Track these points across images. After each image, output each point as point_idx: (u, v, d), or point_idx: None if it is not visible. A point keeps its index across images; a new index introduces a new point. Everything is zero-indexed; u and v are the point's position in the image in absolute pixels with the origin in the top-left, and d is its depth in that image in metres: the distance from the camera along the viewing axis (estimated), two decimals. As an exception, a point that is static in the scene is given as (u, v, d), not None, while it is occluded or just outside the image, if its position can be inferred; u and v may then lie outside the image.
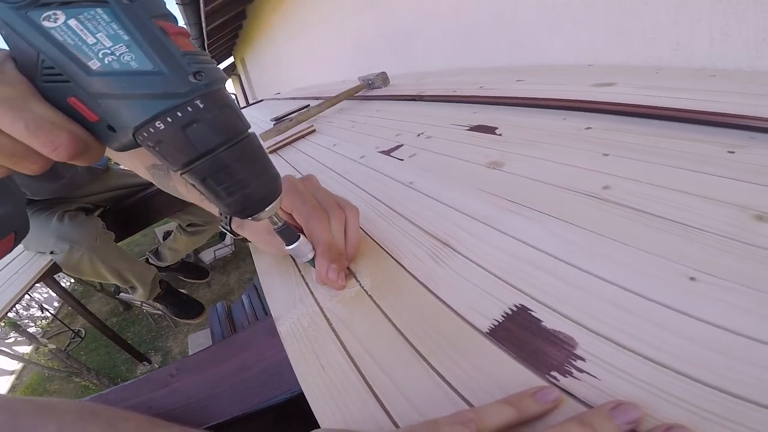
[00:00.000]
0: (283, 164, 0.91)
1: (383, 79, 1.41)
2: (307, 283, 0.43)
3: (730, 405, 0.19)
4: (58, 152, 0.23)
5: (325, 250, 0.38)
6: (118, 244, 1.58)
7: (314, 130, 1.12)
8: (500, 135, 0.62)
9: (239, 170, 0.27)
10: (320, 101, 1.33)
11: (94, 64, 0.22)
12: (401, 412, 0.26)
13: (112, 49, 0.22)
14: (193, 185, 0.27)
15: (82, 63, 0.22)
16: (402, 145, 0.73)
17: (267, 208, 0.30)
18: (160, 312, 1.92)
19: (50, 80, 0.23)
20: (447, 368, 0.27)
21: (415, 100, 1.05)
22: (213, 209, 0.59)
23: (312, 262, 0.38)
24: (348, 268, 0.42)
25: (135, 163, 0.72)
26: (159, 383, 0.52)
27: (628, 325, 0.25)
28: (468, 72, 1.25)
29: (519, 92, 0.76)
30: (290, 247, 0.36)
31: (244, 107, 3.85)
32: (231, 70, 9.88)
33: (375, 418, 0.26)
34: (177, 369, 0.54)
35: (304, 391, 0.30)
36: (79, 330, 4.76)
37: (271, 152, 1.06)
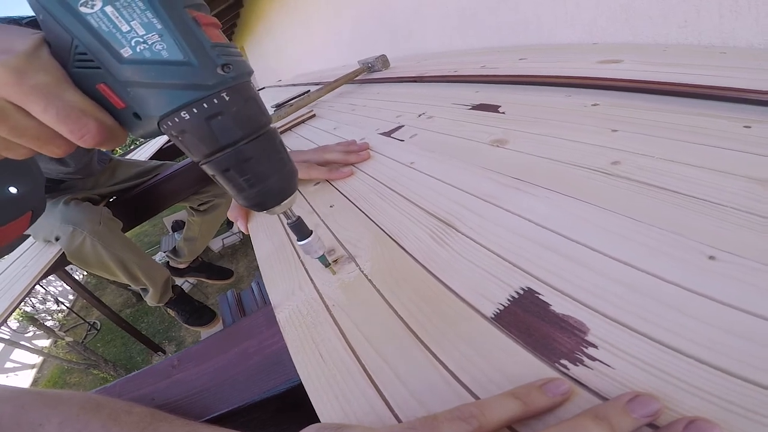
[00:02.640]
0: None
1: (383, 61, 1.38)
2: (306, 269, 0.42)
3: (756, 395, 0.17)
4: (85, 140, 0.24)
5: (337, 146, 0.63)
6: (127, 233, 1.58)
7: (314, 115, 1.11)
8: (503, 113, 0.60)
9: (258, 164, 0.27)
10: (321, 86, 1.31)
11: (126, 52, 0.22)
12: (402, 402, 0.25)
13: (144, 37, 0.22)
14: (213, 176, 0.27)
15: (114, 50, 0.22)
16: (402, 126, 0.71)
17: (283, 203, 0.30)
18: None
19: (82, 66, 0.23)
20: (450, 356, 0.26)
21: (415, 81, 1.02)
22: None
23: (322, 258, 0.37)
24: (347, 252, 0.41)
25: None
26: (162, 374, 0.52)
27: (642, 308, 0.23)
28: (469, 53, 1.21)
29: (522, 70, 0.73)
30: (302, 242, 0.35)
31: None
32: (232, 58, 9.81)
33: (375, 409, 0.25)
34: (179, 360, 0.53)
35: (303, 382, 0.30)
36: (94, 322, 4.84)
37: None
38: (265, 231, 0.55)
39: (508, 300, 0.27)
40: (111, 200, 1.65)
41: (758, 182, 0.28)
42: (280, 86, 2.84)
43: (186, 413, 0.44)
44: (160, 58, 0.22)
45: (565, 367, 0.22)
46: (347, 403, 0.26)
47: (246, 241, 5.32)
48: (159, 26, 0.22)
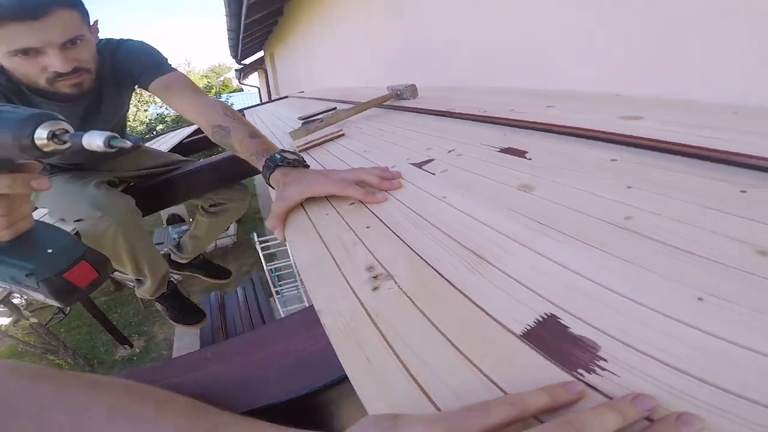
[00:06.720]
0: (313, 164, 0.93)
1: (412, 91, 1.43)
2: (347, 281, 0.45)
3: (734, 402, 0.23)
4: None
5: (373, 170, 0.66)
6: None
7: (343, 134, 1.15)
8: (530, 159, 0.64)
9: None
10: (346, 105, 1.35)
11: None
12: (442, 399, 0.28)
13: None
14: None
15: None
16: (433, 160, 0.75)
17: None
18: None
19: None
20: (486, 364, 0.30)
21: (444, 116, 1.07)
22: (259, 165, 0.76)
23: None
24: (385, 270, 0.45)
25: (201, 120, 0.95)
26: (193, 366, 0.54)
27: (644, 335, 0.29)
28: (497, 92, 1.27)
29: (549, 118, 0.78)
30: None
31: (266, 102, 3.93)
32: (259, 63, 10.20)
33: (419, 405, 0.28)
34: (212, 353, 0.56)
35: (350, 379, 0.33)
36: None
37: (301, 150, 1.10)
38: (303, 240, 0.58)
39: (534, 322, 0.33)
40: (130, 185, 1.67)
41: (746, 244, 0.34)
42: (303, 97, 2.89)
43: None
44: None
45: (581, 374, 0.27)
46: (394, 399, 0.29)
47: (239, 244, 5.16)
48: None
